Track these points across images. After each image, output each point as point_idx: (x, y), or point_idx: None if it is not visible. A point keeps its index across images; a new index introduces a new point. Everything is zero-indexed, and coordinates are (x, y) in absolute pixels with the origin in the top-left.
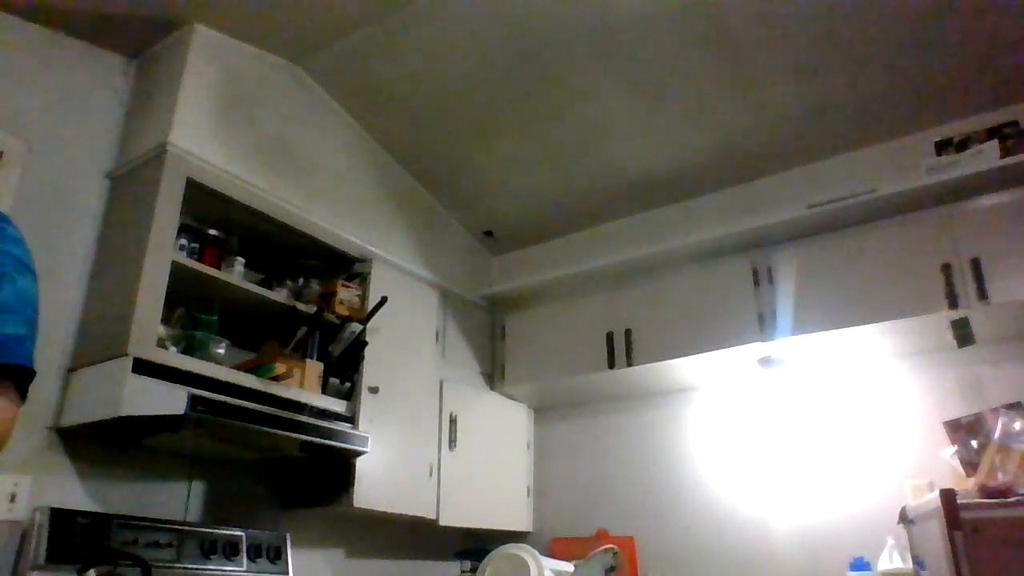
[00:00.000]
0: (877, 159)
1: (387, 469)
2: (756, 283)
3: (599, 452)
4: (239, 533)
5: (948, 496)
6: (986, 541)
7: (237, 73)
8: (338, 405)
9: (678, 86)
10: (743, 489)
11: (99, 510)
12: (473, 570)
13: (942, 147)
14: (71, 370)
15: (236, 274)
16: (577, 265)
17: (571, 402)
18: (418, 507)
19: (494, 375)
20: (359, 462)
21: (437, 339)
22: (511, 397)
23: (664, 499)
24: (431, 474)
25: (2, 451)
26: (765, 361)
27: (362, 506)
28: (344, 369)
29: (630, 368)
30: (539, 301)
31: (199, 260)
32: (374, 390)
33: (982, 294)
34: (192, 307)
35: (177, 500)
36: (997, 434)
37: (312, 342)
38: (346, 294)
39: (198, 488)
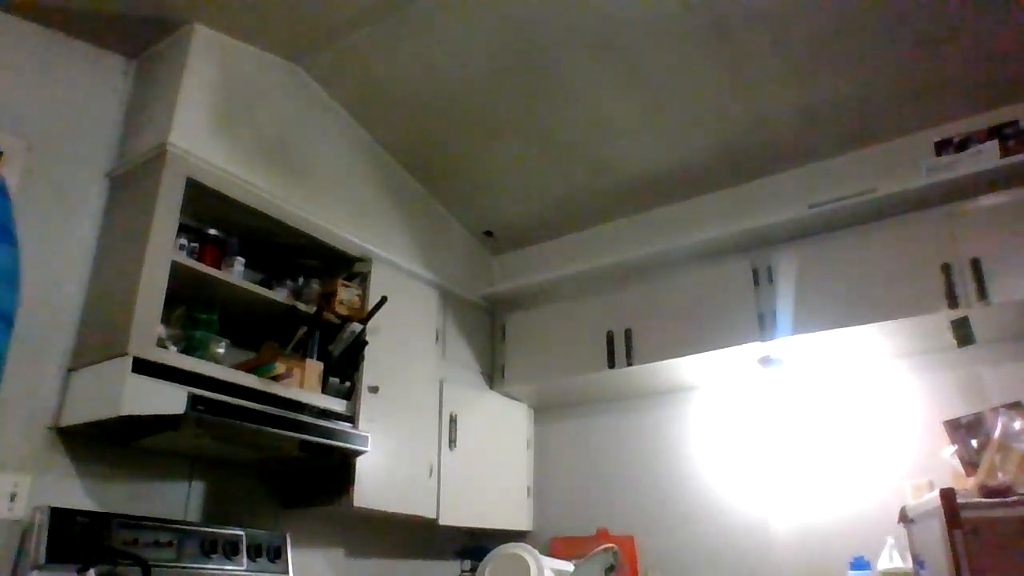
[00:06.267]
0: (877, 159)
1: (387, 469)
2: (756, 283)
3: (599, 452)
4: (239, 533)
5: (948, 496)
6: (986, 541)
7: (237, 73)
8: (338, 405)
9: (678, 86)
10: (743, 489)
11: (99, 510)
12: (473, 570)
13: (942, 147)
14: (71, 370)
15: (236, 274)
16: (577, 265)
17: (571, 402)
18: (418, 507)
19: (494, 375)
20: (359, 462)
21: (437, 339)
22: (511, 397)
23: (664, 499)
24: (431, 474)
25: None
26: (765, 361)
27: (362, 506)
28: (344, 369)
29: (630, 368)
30: (539, 301)
31: (199, 260)
32: (374, 390)
33: (982, 294)
34: (192, 307)
35: (177, 500)
36: (997, 434)
37: (312, 342)
38: (346, 294)
39: (198, 488)
